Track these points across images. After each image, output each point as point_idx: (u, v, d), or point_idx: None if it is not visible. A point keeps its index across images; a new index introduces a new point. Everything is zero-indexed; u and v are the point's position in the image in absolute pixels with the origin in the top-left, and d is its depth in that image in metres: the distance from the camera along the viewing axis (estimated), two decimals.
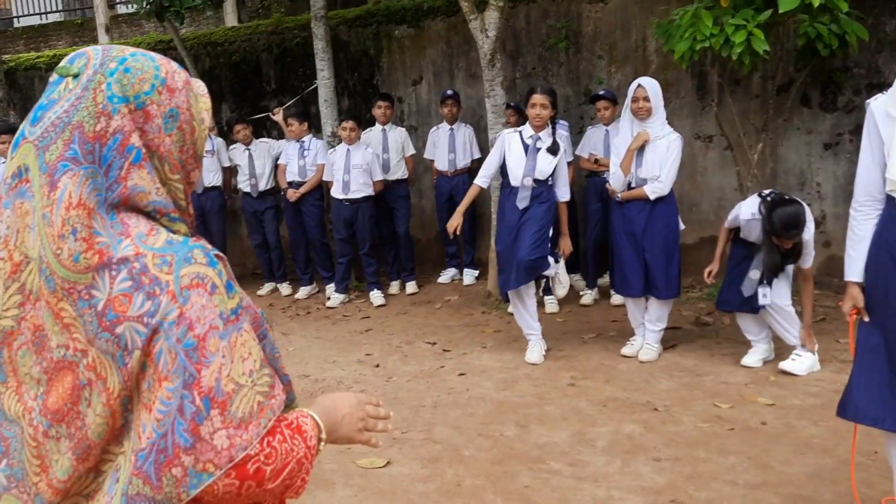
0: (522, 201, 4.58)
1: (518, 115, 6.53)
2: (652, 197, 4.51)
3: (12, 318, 1.04)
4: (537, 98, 4.58)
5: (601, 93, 5.94)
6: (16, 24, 13.64)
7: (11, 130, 6.11)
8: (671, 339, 4.88)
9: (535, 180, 4.58)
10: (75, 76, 1.05)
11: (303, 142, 6.64)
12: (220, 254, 1.07)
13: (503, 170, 4.72)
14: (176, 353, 0.97)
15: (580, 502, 3.00)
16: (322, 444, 1.13)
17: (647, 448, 3.45)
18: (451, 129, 6.58)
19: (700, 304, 5.73)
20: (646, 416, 3.81)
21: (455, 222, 4.69)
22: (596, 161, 5.83)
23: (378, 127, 6.65)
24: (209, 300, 1.00)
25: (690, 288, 6.17)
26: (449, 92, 6.62)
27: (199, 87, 1.17)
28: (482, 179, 4.75)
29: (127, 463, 1.00)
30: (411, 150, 6.72)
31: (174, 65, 1.12)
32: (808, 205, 5.81)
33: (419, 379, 4.56)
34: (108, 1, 11.68)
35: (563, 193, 4.71)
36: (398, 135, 6.66)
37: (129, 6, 11.05)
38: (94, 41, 11.55)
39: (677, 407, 3.89)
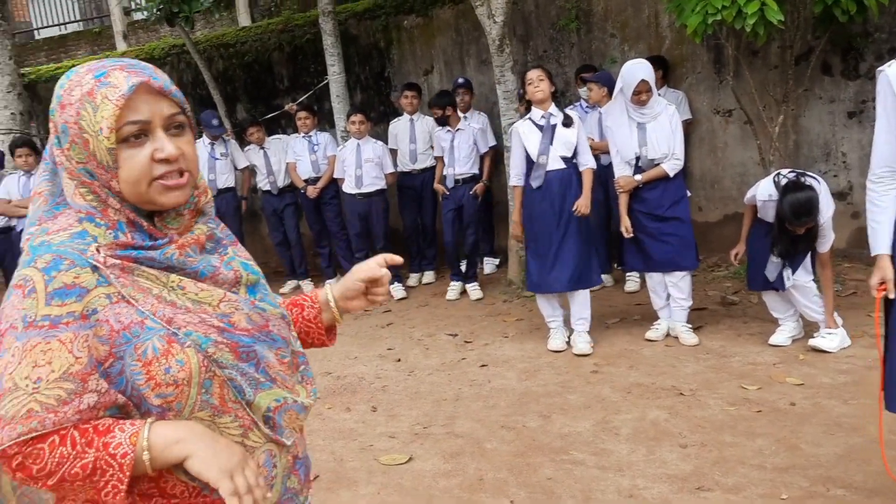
0: (536, 180, 4.52)
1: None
2: (672, 174, 4.44)
3: None
4: (532, 74, 4.53)
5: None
6: (37, 37, 13.82)
7: (28, 143, 6.18)
8: (697, 321, 4.78)
9: (563, 158, 4.52)
10: None
11: (310, 136, 6.65)
12: (110, 261, 1.10)
13: (528, 160, 4.63)
14: None
15: (604, 493, 2.95)
16: (146, 455, 1.06)
17: (673, 434, 3.38)
18: (465, 118, 6.50)
19: (726, 283, 5.63)
20: (671, 401, 3.74)
21: (517, 232, 4.63)
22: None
23: (406, 117, 6.57)
24: (20, 301, 1.05)
25: (716, 267, 6.06)
26: (460, 80, 6.53)
27: (112, 91, 1.11)
28: (516, 178, 4.66)
29: None
30: (436, 142, 6.62)
31: (86, 77, 1.12)
32: (835, 176, 5.73)
33: (441, 372, 4.53)
34: (123, 8, 11.78)
35: (586, 160, 4.61)
36: (426, 124, 6.50)
37: (144, 12, 11.12)
38: (112, 48, 11.65)
39: (703, 391, 3.82)
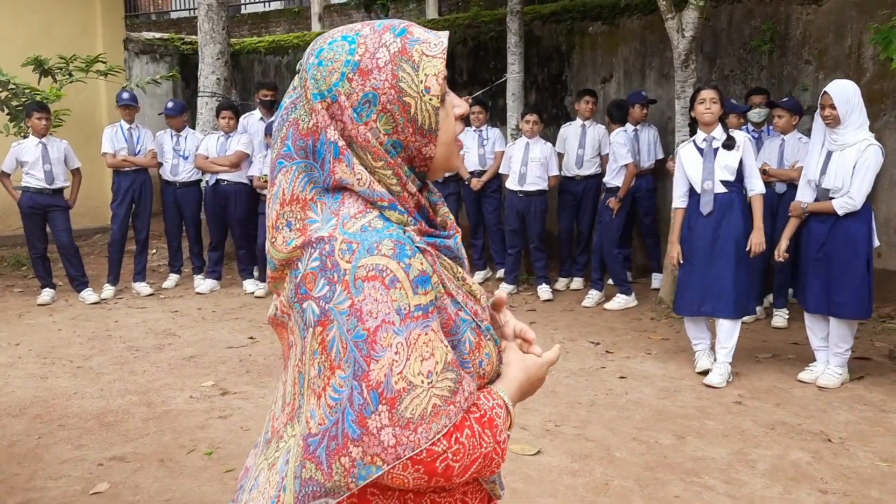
0: (706, 206, 4.45)
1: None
2: (841, 213, 4.22)
3: None
4: (705, 94, 4.44)
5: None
6: (242, 11, 15.05)
7: (231, 107, 6.81)
8: (859, 371, 4.52)
9: (724, 182, 4.42)
10: (298, 72, 1.08)
11: (481, 130, 6.85)
12: (426, 247, 1.02)
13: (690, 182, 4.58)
14: (347, 343, 0.96)
15: None
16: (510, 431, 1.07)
17: (814, 478, 3.25)
18: (636, 130, 6.45)
19: None
20: (816, 445, 3.58)
21: (674, 252, 4.59)
22: (764, 172, 5.41)
23: (578, 122, 6.60)
24: (385, 294, 0.95)
25: (888, 318, 5.66)
26: (643, 93, 6.50)
27: (431, 47, 1.03)
28: (679, 200, 4.62)
29: (296, 447, 1.02)
30: (608, 150, 6.62)
31: (386, 37, 1.02)
32: None
33: (578, 376, 4.58)
34: None
35: (753, 185, 4.47)
36: (597, 132, 6.52)
37: None
38: (308, 28, 12.48)
39: (854, 441, 3.62)
